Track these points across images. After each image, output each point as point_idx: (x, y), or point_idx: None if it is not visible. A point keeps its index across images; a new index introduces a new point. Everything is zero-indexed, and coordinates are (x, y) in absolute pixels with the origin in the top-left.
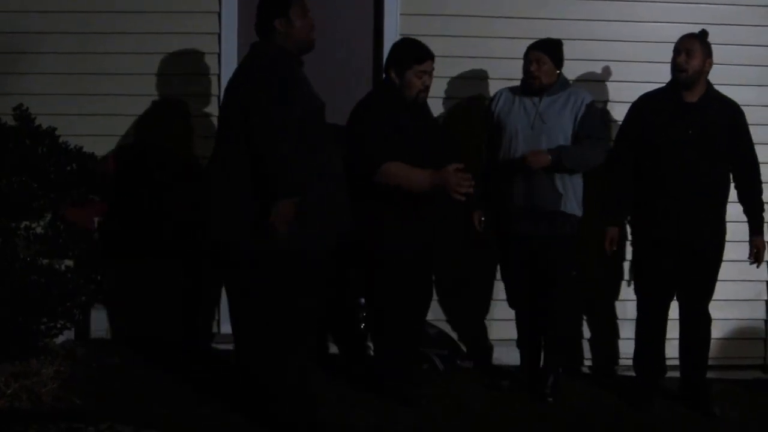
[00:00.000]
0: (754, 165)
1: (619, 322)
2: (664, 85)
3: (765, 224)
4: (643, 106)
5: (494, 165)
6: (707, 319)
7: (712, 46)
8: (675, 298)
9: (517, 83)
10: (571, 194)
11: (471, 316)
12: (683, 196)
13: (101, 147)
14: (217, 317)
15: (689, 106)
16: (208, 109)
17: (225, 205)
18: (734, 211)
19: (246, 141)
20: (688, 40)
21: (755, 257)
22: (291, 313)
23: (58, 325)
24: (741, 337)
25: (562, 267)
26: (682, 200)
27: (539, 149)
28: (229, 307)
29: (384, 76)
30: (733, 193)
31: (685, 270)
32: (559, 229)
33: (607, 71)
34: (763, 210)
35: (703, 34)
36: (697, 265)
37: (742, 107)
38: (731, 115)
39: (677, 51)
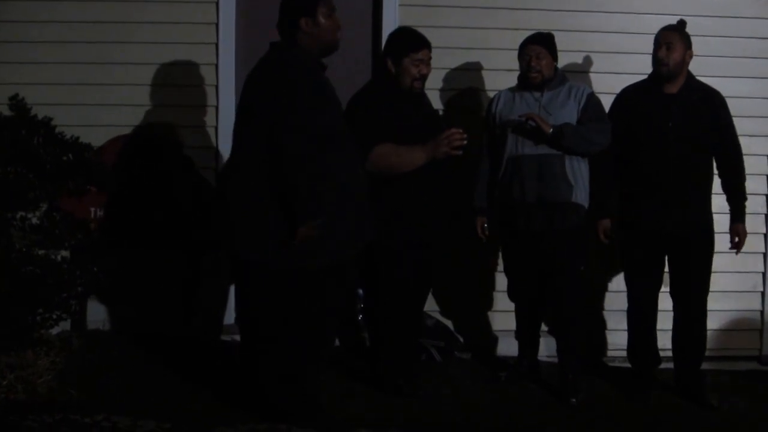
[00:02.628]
0: (736, 153)
1: (607, 313)
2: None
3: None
4: (625, 99)
5: (499, 165)
6: (703, 315)
7: (711, 38)
8: (669, 294)
9: (515, 74)
10: (581, 184)
11: (469, 308)
12: (667, 187)
13: (98, 137)
14: (215, 309)
15: (670, 98)
16: (205, 100)
17: (248, 221)
18: (726, 202)
19: (269, 152)
20: (667, 34)
21: (736, 245)
22: (313, 325)
23: (54, 316)
24: (737, 328)
25: (571, 261)
26: (666, 191)
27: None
28: (240, 312)
29: (381, 65)
30: None
31: (677, 263)
32: (570, 221)
33: (604, 63)
34: (745, 198)
35: (682, 24)
36: (687, 257)
37: (741, 99)
38: (713, 104)
39: (657, 44)
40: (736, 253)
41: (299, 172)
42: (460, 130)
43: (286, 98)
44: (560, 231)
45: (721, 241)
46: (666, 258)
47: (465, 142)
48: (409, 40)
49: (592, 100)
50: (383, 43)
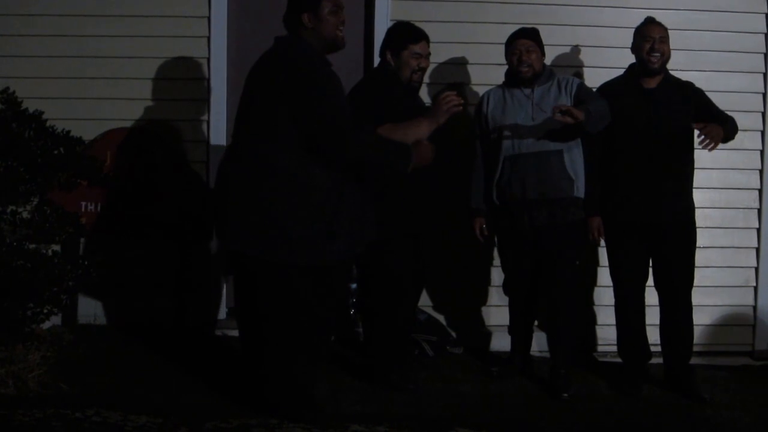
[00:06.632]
0: (726, 115)
1: (597, 308)
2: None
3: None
4: (605, 95)
5: (495, 166)
6: (688, 308)
7: (707, 32)
8: (654, 287)
9: (505, 68)
10: (581, 177)
11: (462, 303)
12: (647, 179)
13: (88, 131)
14: (208, 303)
15: (650, 92)
16: (197, 94)
17: (250, 215)
18: (719, 197)
19: (297, 143)
20: (658, 27)
21: (705, 131)
22: (313, 321)
23: (45, 311)
24: (730, 323)
25: (568, 255)
26: (646, 183)
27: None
28: (239, 307)
29: (379, 60)
30: (725, 179)
31: (659, 255)
32: (572, 216)
33: (594, 57)
34: (733, 128)
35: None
36: (669, 248)
37: (734, 94)
38: (691, 93)
39: (649, 39)
40: (702, 141)
41: (358, 149)
42: (454, 92)
43: (299, 90)
44: (561, 225)
45: (714, 235)
46: (648, 251)
47: (462, 100)
48: (409, 33)
49: (583, 87)
50: (376, 37)
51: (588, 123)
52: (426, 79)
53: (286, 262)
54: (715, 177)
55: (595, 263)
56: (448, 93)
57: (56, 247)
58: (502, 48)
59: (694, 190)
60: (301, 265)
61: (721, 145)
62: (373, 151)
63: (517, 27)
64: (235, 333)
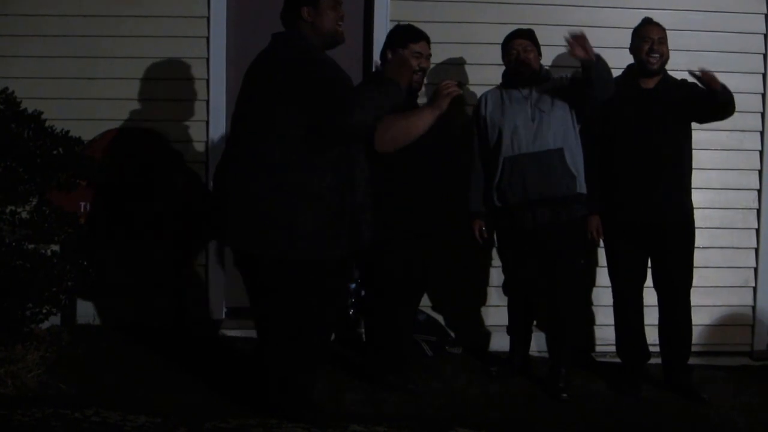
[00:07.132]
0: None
1: (595, 308)
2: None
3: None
4: None
5: (494, 168)
6: (687, 308)
7: (706, 33)
8: (653, 287)
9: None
10: (582, 173)
11: (462, 303)
12: (646, 180)
13: (88, 131)
14: (207, 303)
15: (648, 92)
16: (196, 94)
17: (249, 213)
18: (718, 198)
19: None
20: (657, 29)
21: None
22: (310, 317)
23: (44, 311)
24: (729, 323)
25: (572, 254)
26: (645, 183)
27: None
28: (251, 305)
29: (379, 62)
30: (724, 180)
31: (657, 254)
32: (575, 212)
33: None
34: (729, 95)
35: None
36: (667, 248)
37: (735, 94)
38: (687, 89)
39: (648, 40)
40: (699, 76)
41: (361, 111)
42: (454, 82)
43: (298, 83)
44: (565, 224)
45: (713, 236)
46: (647, 251)
47: (461, 91)
48: (409, 32)
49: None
50: (375, 37)
51: (597, 67)
52: (430, 79)
53: (286, 259)
54: (715, 177)
55: (595, 263)
56: (446, 81)
57: (55, 248)
58: (500, 48)
59: (693, 190)
60: (302, 262)
61: (720, 146)
62: (374, 104)
63: (514, 27)
64: (234, 333)
